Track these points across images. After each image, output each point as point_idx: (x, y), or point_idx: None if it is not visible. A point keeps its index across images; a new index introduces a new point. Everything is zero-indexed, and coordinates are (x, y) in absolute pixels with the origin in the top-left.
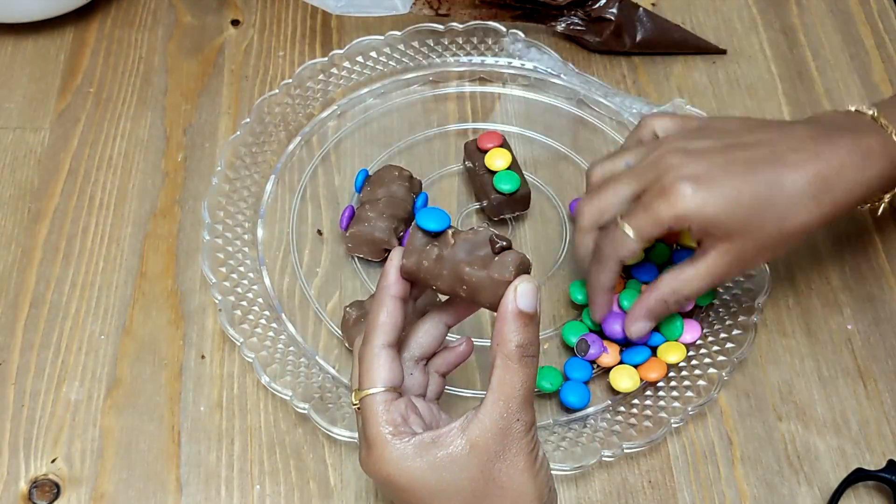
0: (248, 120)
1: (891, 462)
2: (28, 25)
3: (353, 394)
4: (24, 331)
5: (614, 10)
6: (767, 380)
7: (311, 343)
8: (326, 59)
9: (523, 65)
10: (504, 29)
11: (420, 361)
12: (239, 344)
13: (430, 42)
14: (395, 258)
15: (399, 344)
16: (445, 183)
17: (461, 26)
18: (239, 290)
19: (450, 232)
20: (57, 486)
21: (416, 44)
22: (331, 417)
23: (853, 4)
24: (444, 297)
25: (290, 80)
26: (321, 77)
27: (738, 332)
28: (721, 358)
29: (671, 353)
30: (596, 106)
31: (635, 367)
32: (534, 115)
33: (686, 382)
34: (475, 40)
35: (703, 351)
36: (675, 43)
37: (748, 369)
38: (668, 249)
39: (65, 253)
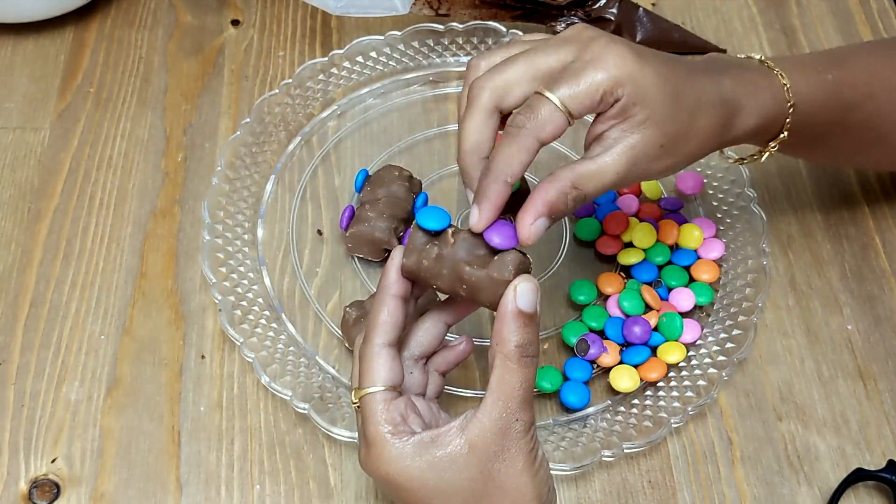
0: (248, 120)
1: (891, 462)
2: (28, 25)
3: (353, 392)
4: (24, 331)
5: (614, 10)
6: (767, 380)
7: (311, 343)
8: (326, 59)
9: None
10: (504, 29)
11: (420, 360)
12: (239, 344)
13: (430, 42)
14: (396, 257)
15: (399, 343)
16: (445, 183)
17: (461, 26)
18: (239, 290)
19: (450, 231)
20: (57, 486)
21: (416, 44)
22: (331, 417)
23: (853, 4)
24: (444, 297)
25: (290, 80)
26: (321, 77)
27: (738, 332)
28: (721, 358)
29: (671, 353)
30: None
31: (635, 367)
32: None
33: (686, 382)
34: (475, 40)
35: (703, 351)
36: (675, 43)
37: (748, 369)
38: (668, 249)
39: (65, 253)
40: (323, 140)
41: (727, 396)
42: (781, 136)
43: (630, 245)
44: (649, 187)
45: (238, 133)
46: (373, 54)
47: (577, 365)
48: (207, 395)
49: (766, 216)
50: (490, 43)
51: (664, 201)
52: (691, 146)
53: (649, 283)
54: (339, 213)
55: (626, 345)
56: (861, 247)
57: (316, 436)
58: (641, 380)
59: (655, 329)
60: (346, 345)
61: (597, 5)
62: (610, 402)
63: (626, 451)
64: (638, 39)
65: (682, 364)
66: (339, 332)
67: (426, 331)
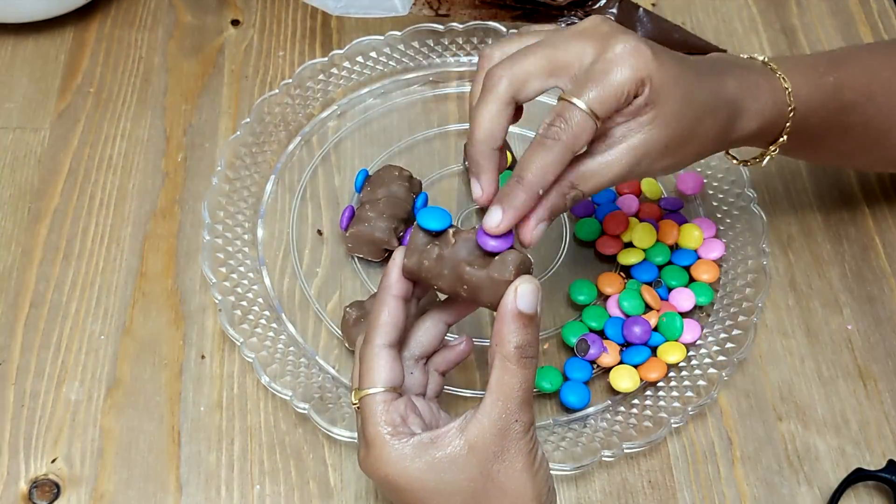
0: (248, 120)
1: (891, 462)
2: (28, 25)
3: (353, 393)
4: (24, 331)
5: (614, 10)
6: (767, 380)
7: (311, 343)
8: (326, 59)
9: None
10: (504, 29)
11: (420, 360)
12: (239, 344)
13: (430, 42)
14: (398, 258)
15: (400, 344)
16: (445, 183)
17: (461, 26)
18: (239, 290)
19: (451, 231)
20: (57, 486)
21: (416, 44)
22: (331, 417)
23: (853, 4)
24: (444, 297)
25: (290, 80)
26: (321, 77)
27: (738, 332)
28: (721, 358)
29: (671, 353)
30: None
31: (635, 367)
32: (534, 115)
33: (686, 382)
34: (475, 40)
35: (703, 351)
36: (675, 43)
37: (748, 369)
38: (668, 249)
39: (65, 253)
40: (323, 140)
41: (727, 396)
42: (781, 139)
43: (630, 245)
44: (649, 187)
45: (238, 133)
46: (373, 54)
47: (577, 365)
48: (207, 395)
49: (766, 216)
50: (490, 43)
51: (664, 201)
52: (693, 148)
53: (649, 283)
54: (339, 213)
55: (626, 345)
56: (861, 247)
57: (316, 436)
58: (641, 380)
59: (655, 329)
60: (346, 345)
61: (597, 5)
62: (610, 402)
63: (626, 451)
64: None
65: (682, 364)
66: (339, 332)
67: (426, 331)
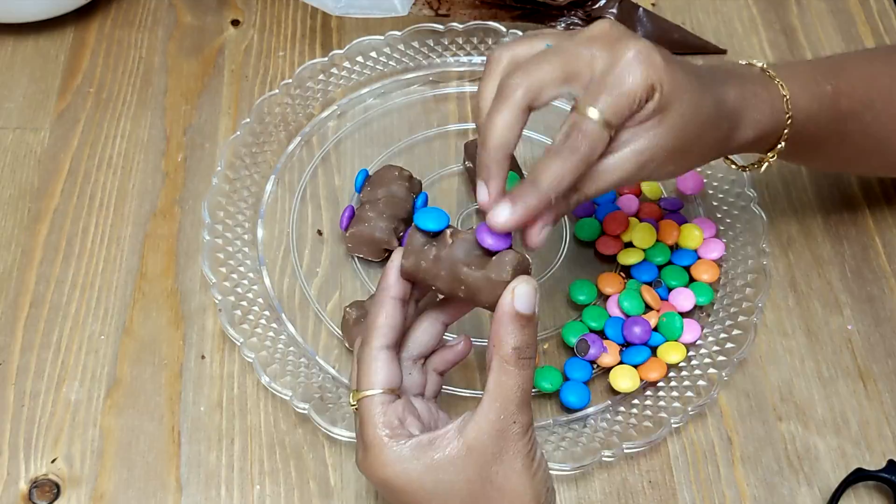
0: (248, 120)
1: (891, 462)
2: (28, 25)
3: (351, 395)
4: (24, 331)
5: (614, 10)
6: (767, 380)
7: (311, 343)
8: (326, 59)
9: None
10: (504, 29)
11: (418, 360)
12: (239, 344)
13: (430, 42)
14: (396, 259)
15: (398, 345)
16: (445, 183)
17: (461, 26)
18: (239, 290)
19: (448, 232)
20: (57, 486)
21: (416, 44)
22: (331, 417)
23: (853, 4)
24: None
25: (290, 80)
26: (321, 77)
27: (738, 332)
28: (721, 358)
29: (671, 353)
30: None
31: (635, 367)
32: (534, 115)
33: (686, 382)
34: (475, 40)
35: (703, 351)
36: (675, 43)
37: (748, 369)
38: (668, 249)
39: (65, 253)
40: (323, 140)
41: (727, 396)
42: (779, 146)
43: (630, 245)
44: (649, 187)
45: (238, 133)
46: (373, 54)
47: (577, 365)
48: (207, 395)
49: (766, 216)
50: (490, 43)
51: (664, 201)
52: (695, 155)
53: (649, 283)
54: (339, 213)
55: (626, 345)
56: (861, 247)
57: (316, 436)
58: (641, 380)
59: (655, 329)
60: (346, 345)
61: (597, 5)
62: (610, 402)
63: (626, 451)
64: None
65: (682, 364)
66: (339, 332)
67: (424, 331)
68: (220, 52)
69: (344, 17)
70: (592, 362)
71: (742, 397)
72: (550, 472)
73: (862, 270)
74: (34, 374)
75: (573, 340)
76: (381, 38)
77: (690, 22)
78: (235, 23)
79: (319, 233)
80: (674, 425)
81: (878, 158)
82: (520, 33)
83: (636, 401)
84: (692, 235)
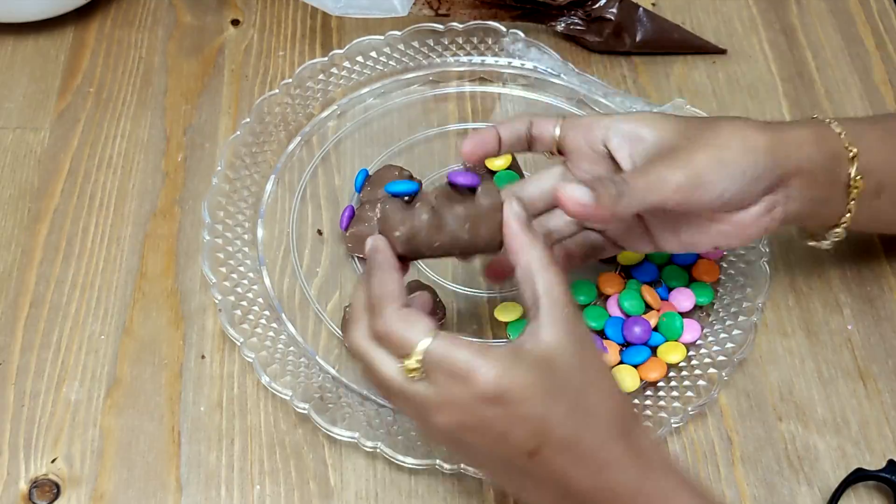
0: (248, 120)
1: (891, 462)
2: (28, 25)
3: (410, 360)
4: (24, 331)
5: (614, 10)
6: (767, 380)
7: (311, 343)
8: (326, 59)
9: (523, 65)
10: (504, 29)
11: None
12: (239, 344)
13: (430, 42)
14: (373, 243)
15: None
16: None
17: (461, 26)
18: (239, 290)
19: (426, 193)
20: (57, 486)
21: (416, 44)
22: (331, 417)
23: (853, 4)
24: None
25: (290, 80)
26: (321, 77)
27: (738, 332)
28: (721, 358)
29: (671, 353)
30: (596, 106)
31: (635, 366)
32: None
33: (686, 382)
34: (475, 40)
35: (703, 351)
36: (675, 43)
37: (748, 369)
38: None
39: (65, 253)
40: (323, 140)
41: (727, 396)
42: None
43: None
44: None
45: (238, 133)
46: (373, 54)
47: None
48: (207, 395)
49: None
50: (490, 43)
51: None
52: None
53: (649, 283)
54: (339, 213)
55: (626, 345)
56: (861, 247)
57: (316, 436)
58: (641, 380)
59: (655, 329)
60: (346, 345)
61: (597, 5)
62: None
63: None
64: (638, 39)
65: (682, 364)
66: (339, 332)
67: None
68: (220, 52)
69: (344, 17)
70: None
71: (742, 397)
72: (500, 403)
73: (862, 270)
74: (34, 374)
75: None
76: (381, 38)
77: (690, 21)
78: (235, 23)
79: (319, 233)
80: (674, 425)
81: None
82: (520, 33)
83: (636, 401)
84: None
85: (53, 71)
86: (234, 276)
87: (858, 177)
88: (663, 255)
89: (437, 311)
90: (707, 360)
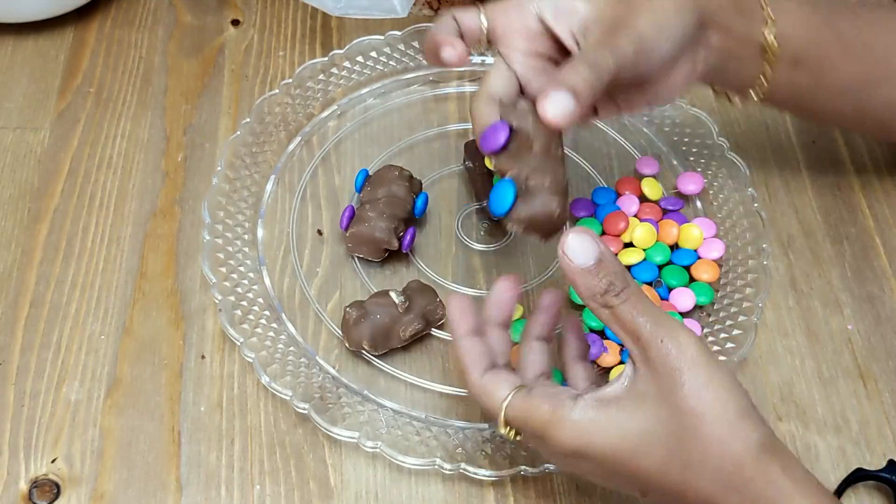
0: (248, 120)
1: (891, 462)
2: (28, 25)
3: (499, 428)
4: (24, 331)
5: None
6: (767, 380)
7: (311, 343)
8: (326, 59)
9: None
10: None
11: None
12: (239, 344)
13: None
14: (449, 304)
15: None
16: (445, 183)
17: None
18: (239, 290)
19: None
20: (57, 486)
21: (416, 44)
22: (331, 417)
23: (853, 5)
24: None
25: (290, 80)
26: (321, 77)
27: (738, 332)
28: (721, 358)
29: None
30: None
31: None
32: None
33: None
34: None
35: None
36: None
37: (748, 369)
38: (668, 249)
39: (65, 253)
40: (323, 140)
41: None
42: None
43: (630, 245)
44: (650, 188)
45: (238, 133)
46: (373, 54)
47: None
48: (207, 395)
49: (766, 216)
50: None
51: (664, 201)
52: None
53: (649, 283)
54: (339, 213)
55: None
56: (861, 247)
57: (316, 436)
58: None
59: None
60: (347, 345)
61: None
62: None
63: None
64: None
65: None
66: (339, 332)
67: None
68: (220, 52)
69: (344, 18)
70: (593, 362)
71: None
72: (583, 458)
73: (862, 270)
74: (34, 374)
75: None
76: (381, 38)
77: None
78: (235, 23)
79: (319, 233)
80: None
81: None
82: None
83: None
84: (692, 235)
85: (53, 71)
86: (234, 276)
87: (773, 39)
88: (663, 256)
89: (437, 312)
90: None
